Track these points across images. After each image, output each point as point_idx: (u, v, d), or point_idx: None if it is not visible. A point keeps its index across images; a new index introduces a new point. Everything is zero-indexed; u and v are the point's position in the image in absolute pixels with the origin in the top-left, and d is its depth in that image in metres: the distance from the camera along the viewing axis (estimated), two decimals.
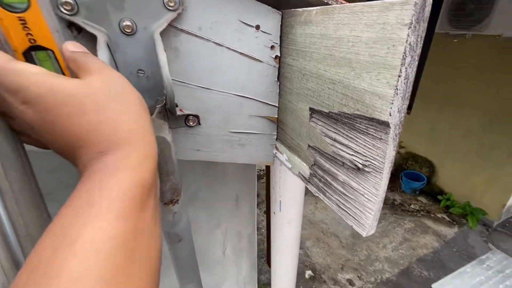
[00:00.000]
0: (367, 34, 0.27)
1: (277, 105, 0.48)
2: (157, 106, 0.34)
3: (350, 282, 2.17)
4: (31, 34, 0.25)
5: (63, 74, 0.29)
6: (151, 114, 0.35)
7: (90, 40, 0.33)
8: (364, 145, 0.32)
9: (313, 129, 0.40)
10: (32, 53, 0.26)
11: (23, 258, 0.24)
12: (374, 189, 0.32)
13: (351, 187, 0.36)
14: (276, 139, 0.52)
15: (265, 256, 2.25)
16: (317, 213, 2.82)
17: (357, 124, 0.32)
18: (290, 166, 0.49)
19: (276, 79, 0.46)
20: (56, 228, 0.18)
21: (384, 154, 0.29)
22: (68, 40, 0.31)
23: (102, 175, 0.20)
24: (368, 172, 0.32)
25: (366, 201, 0.34)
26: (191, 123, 0.44)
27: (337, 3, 0.36)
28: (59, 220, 0.18)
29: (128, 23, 0.33)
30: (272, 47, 0.43)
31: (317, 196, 0.43)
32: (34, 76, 0.20)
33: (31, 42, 0.25)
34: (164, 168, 0.38)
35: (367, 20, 0.27)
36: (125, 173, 0.20)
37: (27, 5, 0.24)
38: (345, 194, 0.37)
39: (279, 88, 0.47)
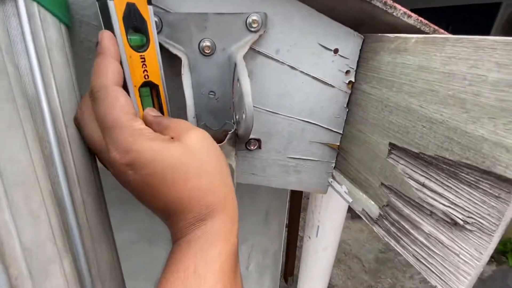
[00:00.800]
0: (497, 75, 0.23)
1: (341, 132, 0.45)
2: (229, 132, 0.32)
3: None
4: (146, 71, 0.26)
5: (162, 109, 0.29)
6: (220, 139, 0.33)
7: (168, 60, 0.32)
8: (469, 199, 0.27)
9: (392, 167, 0.35)
10: (141, 89, 0.27)
11: None
12: (477, 252, 0.27)
13: (439, 242, 0.31)
14: (334, 167, 0.48)
15: (282, 272, 2.18)
16: None
17: (463, 174, 0.27)
18: (350, 200, 0.44)
19: (345, 106, 0.42)
20: None
21: (500, 216, 0.24)
22: None
23: (203, 244, 0.20)
24: (470, 230, 0.27)
25: (461, 262, 0.29)
26: (251, 147, 0.41)
27: (435, 33, 0.32)
28: None
29: (208, 43, 0.31)
30: (347, 72, 0.39)
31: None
32: (140, 139, 0.20)
33: (145, 78, 0.26)
34: None
35: (500, 59, 0.22)
36: (223, 241, 0.21)
37: (147, 46, 0.25)
38: (429, 248, 0.32)
39: (347, 115, 0.43)
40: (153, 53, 0.26)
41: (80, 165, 0.23)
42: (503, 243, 2.46)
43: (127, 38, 0.24)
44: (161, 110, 0.29)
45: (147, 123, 0.26)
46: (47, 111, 0.19)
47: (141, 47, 0.25)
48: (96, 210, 0.23)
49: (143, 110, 0.28)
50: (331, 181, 0.49)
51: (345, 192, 0.46)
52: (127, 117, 0.21)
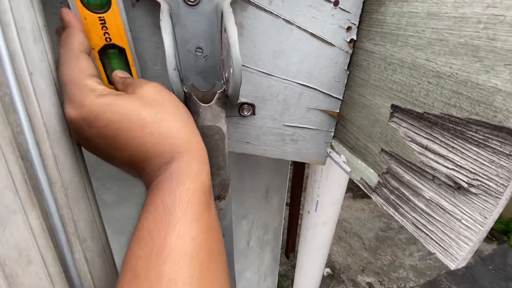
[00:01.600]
0: None
1: (341, 98, 0.42)
2: (217, 91, 0.29)
3: (370, 286, 2.09)
4: (108, 34, 0.26)
5: (130, 71, 0.29)
6: (209, 100, 0.31)
7: (148, 10, 0.29)
8: (475, 160, 0.25)
9: (393, 131, 0.33)
10: (108, 50, 0.27)
11: (70, 257, 0.21)
12: (481, 216, 0.25)
13: (441, 208, 0.29)
14: (333, 137, 0.46)
15: (283, 248, 2.23)
16: (340, 211, 2.73)
17: (470, 133, 0.25)
18: (349, 169, 0.43)
19: (346, 68, 0.39)
20: (143, 238, 0.19)
21: (510, 176, 0.22)
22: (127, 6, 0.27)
23: (170, 184, 0.21)
24: (475, 194, 0.25)
25: (463, 228, 0.27)
26: (245, 113, 0.39)
27: None
28: (143, 230, 0.20)
29: None
30: (348, 28, 0.36)
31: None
32: (92, 95, 0.21)
33: (107, 41, 0.26)
34: (216, 162, 0.34)
35: None
36: (190, 180, 0.22)
37: (108, 6, 0.25)
38: (429, 215, 0.30)
39: (348, 79, 0.40)
40: (115, 14, 0.25)
41: (50, 118, 0.21)
42: (505, 222, 2.46)
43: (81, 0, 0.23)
44: (130, 73, 0.29)
45: (114, 83, 0.27)
46: (5, 54, 0.17)
47: (101, 8, 0.24)
48: (71, 166, 0.22)
49: (112, 72, 0.28)
50: (330, 152, 0.47)
51: (343, 161, 0.44)
52: (81, 75, 0.21)
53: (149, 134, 0.21)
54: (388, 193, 0.36)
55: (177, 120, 0.23)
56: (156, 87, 0.24)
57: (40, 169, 0.18)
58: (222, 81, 0.33)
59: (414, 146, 0.31)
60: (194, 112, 0.30)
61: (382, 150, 0.35)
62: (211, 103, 0.29)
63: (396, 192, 0.35)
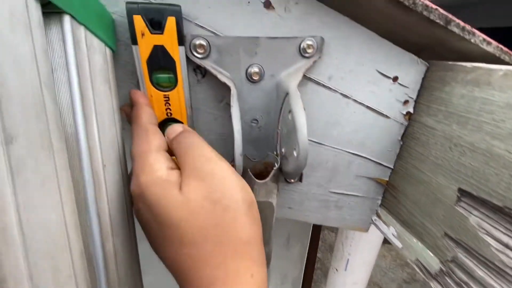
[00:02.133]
0: None
1: (392, 167, 0.39)
2: (274, 168, 0.28)
3: None
4: (169, 109, 0.27)
5: None
6: (261, 171, 0.30)
7: (212, 85, 0.29)
8: None
9: (462, 217, 0.30)
10: (167, 122, 0.28)
11: None
12: None
13: None
14: (380, 205, 0.43)
15: None
16: None
17: None
18: (400, 245, 0.39)
19: (400, 138, 0.37)
20: None
21: None
22: (192, 82, 0.28)
23: None
24: None
25: None
26: (291, 180, 0.37)
27: None
28: None
29: (257, 69, 0.28)
30: (406, 102, 0.34)
31: None
32: (151, 176, 0.20)
33: (167, 115, 0.27)
34: (262, 237, 0.32)
35: None
36: None
37: (174, 85, 0.26)
38: None
39: (401, 149, 0.38)
40: (179, 92, 0.26)
41: (115, 208, 0.20)
42: None
43: (150, 78, 0.25)
44: None
45: (168, 140, 0.25)
46: (85, 152, 0.16)
47: (167, 86, 0.26)
48: (127, 259, 0.20)
49: None
50: (375, 219, 0.44)
51: (393, 235, 0.40)
52: (148, 148, 0.21)
53: (185, 255, 0.19)
54: (453, 284, 0.32)
55: (220, 244, 0.19)
56: (204, 191, 0.20)
57: (103, 274, 0.17)
58: (275, 153, 0.32)
59: (490, 240, 0.27)
60: None
61: (446, 234, 0.32)
62: (266, 180, 0.28)
63: (464, 286, 0.30)
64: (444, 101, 0.31)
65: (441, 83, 0.31)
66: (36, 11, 0.14)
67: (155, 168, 0.20)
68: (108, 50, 0.22)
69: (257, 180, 0.28)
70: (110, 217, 0.18)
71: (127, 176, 0.24)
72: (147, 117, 0.24)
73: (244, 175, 0.28)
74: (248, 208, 0.21)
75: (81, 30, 0.18)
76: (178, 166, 0.22)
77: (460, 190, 0.30)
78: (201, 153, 0.21)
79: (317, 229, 1.74)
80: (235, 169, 0.25)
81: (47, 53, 0.14)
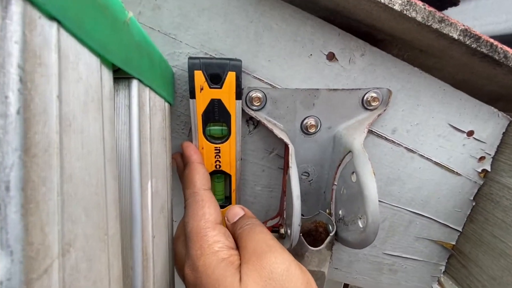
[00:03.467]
0: None
1: (460, 229, 0.34)
2: (330, 235, 0.25)
3: None
4: (219, 161, 0.25)
5: (231, 196, 0.27)
6: (310, 230, 0.26)
7: (262, 137, 0.27)
8: None
9: None
10: (215, 175, 0.26)
11: None
12: None
13: None
14: (443, 271, 0.37)
15: None
16: None
17: None
18: None
19: (472, 198, 0.32)
20: None
21: None
22: (243, 133, 0.26)
23: None
24: None
25: None
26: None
27: None
28: None
29: (313, 121, 0.26)
30: (481, 158, 0.30)
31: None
32: (207, 259, 0.18)
33: (216, 167, 0.26)
34: None
35: None
36: None
37: (227, 138, 0.25)
38: None
39: (472, 210, 0.32)
40: (231, 145, 0.25)
41: (159, 282, 0.18)
42: None
43: (203, 130, 0.24)
44: (229, 197, 0.27)
45: (229, 227, 0.23)
46: (139, 227, 0.15)
47: (220, 138, 0.25)
48: None
49: (213, 192, 0.27)
50: None
51: None
52: (205, 225, 0.20)
53: None
54: None
55: None
56: (266, 284, 0.17)
57: None
58: (327, 211, 0.29)
59: None
60: (297, 254, 0.25)
61: None
62: (321, 248, 0.25)
63: None
64: None
65: None
66: (108, 81, 0.13)
67: (216, 248, 0.19)
68: (167, 105, 0.21)
69: (310, 247, 0.24)
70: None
71: (172, 244, 0.22)
72: (202, 181, 0.22)
73: None
74: None
75: (146, 92, 0.17)
76: (235, 244, 0.20)
77: None
78: (263, 240, 0.19)
79: None
80: (291, 241, 0.22)
81: (114, 124, 0.13)
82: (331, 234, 0.25)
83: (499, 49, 0.22)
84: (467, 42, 0.21)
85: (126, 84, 0.15)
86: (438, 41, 0.22)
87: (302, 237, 0.25)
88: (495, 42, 0.22)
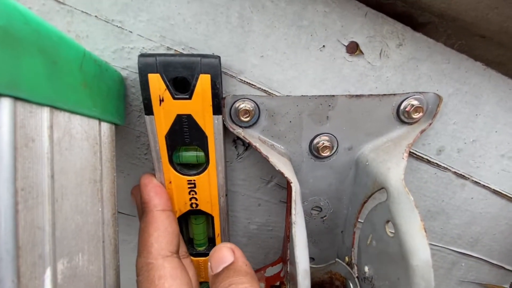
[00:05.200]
0: None
1: None
2: None
3: None
4: (195, 198, 0.18)
5: (214, 240, 0.20)
6: (322, 282, 0.19)
7: (255, 162, 0.20)
8: None
9: None
10: (192, 216, 0.20)
11: None
12: None
13: None
14: None
15: None
16: None
17: None
18: None
19: None
20: None
21: None
22: (229, 157, 0.19)
23: None
24: None
25: None
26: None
27: None
28: None
29: (327, 142, 0.18)
30: None
31: None
32: None
33: (192, 207, 0.19)
34: None
35: None
36: None
37: (204, 168, 0.17)
38: None
39: None
40: (211, 176, 0.17)
41: None
42: None
43: (170, 158, 0.17)
44: (213, 241, 0.21)
45: (211, 271, 0.16)
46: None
47: (195, 167, 0.18)
48: None
49: (191, 236, 0.21)
50: None
51: None
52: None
53: None
54: None
55: None
56: None
57: None
58: (347, 259, 0.21)
59: None
60: None
61: None
62: None
63: None
64: None
65: None
66: None
67: None
68: (106, 128, 0.14)
69: None
70: None
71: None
72: (161, 243, 0.16)
73: None
74: None
75: (43, 116, 0.10)
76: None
77: None
78: None
79: None
80: None
81: None
82: None
83: None
84: None
85: None
86: None
87: None
88: None
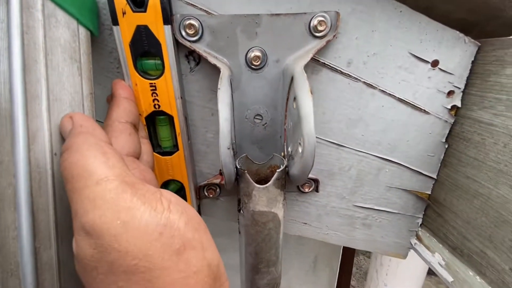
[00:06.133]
0: None
1: (435, 177, 0.32)
2: (277, 171, 0.23)
3: None
4: (157, 100, 0.24)
5: (177, 140, 0.26)
6: (264, 176, 0.24)
7: (207, 75, 0.25)
8: None
9: None
10: (158, 117, 0.25)
11: None
12: None
13: None
14: (420, 224, 0.35)
15: None
16: None
17: None
18: (450, 279, 0.30)
19: (444, 140, 0.30)
20: None
21: None
22: (183, 70, 0.24)
23: None
24: None
25: None
26: (305, 189, 0.31)
27: None
28: None
29: (258, 53, 0.24)
30: (450, 93, 0.27)
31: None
32: (110, 194, 0.13)
33: (155, 108, 0.24)
34: (265, 257, 0.26)
35: None
36: None
37: (161, 73, 0.23)
38: None
39: (446, 154, 0.30)
40: (167, 80, 0.23)
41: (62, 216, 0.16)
42: None
43: (134, 64, 0.22)
44: (176, 142, 0.26)
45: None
46: (22, 134, 0.13)
47: (154, 74, 0.23)
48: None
49: (159, 139, 0.26)
50: (415, 244, 0.35)
51: (440, 264, 0.31)
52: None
53: None
54: None
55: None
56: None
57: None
58: (282, 154, 0.27)
59: None
60: (245, 194, 0.24)
61: None
62: (267, 185, 0.23)
63: None
64: (504, 87, 0.24)
65: (499, 65, 0.24)
66: None
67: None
68: (82, 29, 0.19)
69: (256, 185, 0.23)
70: (55, 222, 0.15)
71: None
72: (120, 113, 0.20)
73: (240, 178, 0.24)
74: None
75: None
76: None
77: None
78: None
79: (349, 252, 1.58)
80: (222, 167, 0.21)
81: None
82: (278, 170, 0.23)
83: None
84: None
85: None
86: None
87: (247, 174, 0.23)
88: None
